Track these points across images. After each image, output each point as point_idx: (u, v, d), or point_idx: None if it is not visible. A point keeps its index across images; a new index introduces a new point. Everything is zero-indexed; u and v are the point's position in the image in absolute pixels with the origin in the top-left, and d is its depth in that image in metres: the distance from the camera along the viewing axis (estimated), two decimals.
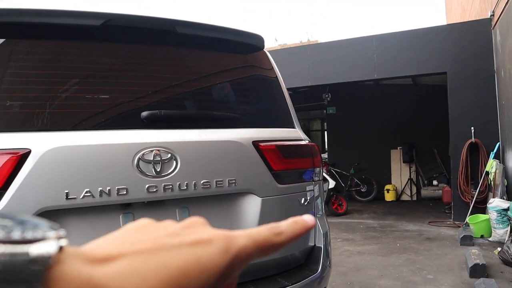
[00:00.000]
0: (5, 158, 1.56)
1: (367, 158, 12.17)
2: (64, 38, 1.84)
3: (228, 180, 1.95)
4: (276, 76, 2.40)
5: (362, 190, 11.84)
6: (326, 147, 13.86)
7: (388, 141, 12.17)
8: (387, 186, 11.97)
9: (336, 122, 13.16)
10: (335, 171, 11.57)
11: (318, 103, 12.27)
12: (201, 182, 1.87)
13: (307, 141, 2.35)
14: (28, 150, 1.59)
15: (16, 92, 1.71)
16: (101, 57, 1.91)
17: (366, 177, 11.88)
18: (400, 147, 12.09)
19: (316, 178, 2.35)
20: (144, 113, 1.83)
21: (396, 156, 12.26)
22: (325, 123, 14.13)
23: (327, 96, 12.02)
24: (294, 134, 2.32)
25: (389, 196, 11.88)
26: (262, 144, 2.07)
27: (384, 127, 12.19)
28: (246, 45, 2.28)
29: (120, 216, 1.77)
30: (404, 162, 12.08)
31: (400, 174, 12.20)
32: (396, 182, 12.22)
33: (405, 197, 12.13)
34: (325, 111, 13.32)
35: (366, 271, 5.34)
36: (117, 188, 1.69)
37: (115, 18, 1.86)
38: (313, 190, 2.32)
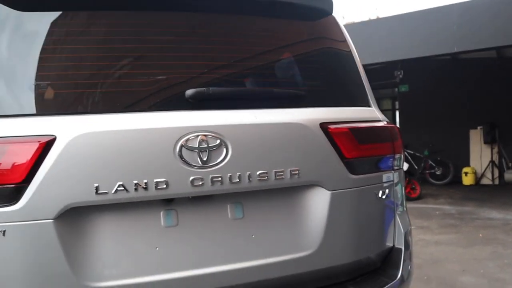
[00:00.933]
0: (27, 146, 1.35)
1: (443, 139, 11.38)
2: (94, 8, 1.58)
3: (290, 170, 1.62)
4: (348, 45, 2.01)
5: (437, 173, 11.13)
6: (398, 126, 13.12)
7: (467, 120, 11.32)
8: (465, 169, 11.17)
9: (409, 101, 12.42)
10: (407, 153, 10.89)
11: (389, 81, 11.54)
12: (257, 173, 1.56)
13: (386, 122, 1.96)
14: (53, 137, 1.36)
15: (40, 71, 1.47)
16: (139, 28, 1.63)
17: (441, 159, 11.13)
18: (481, 127, 11.23)
19: (396, 166, 1.97)
20: (189, 91, 1.54)
21: (476, 136, 11.37)
22: (397, 102, 13.38)
23: (399, 73, 11.27)
24: (371, 114, 1.94)
25: (467, 180, 11.09)
26: (332, 126, 1.71)
27: (463, 106, 11.32)
28: (312, 8, 1.91)
29: (161, 213, 1.51)
30: (485, 143, 11.19)
31: (480, 156, 11.28)
32: (476, 164, 11.34)
33: (485, 181, 11.23)
34: (396, 89, 12.60)
35: (444, 264, 4.84)
36: (156, 181, 1.43)
37: None
38: (393, 180, 1.94)
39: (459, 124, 11.40)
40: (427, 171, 11.25)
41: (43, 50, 1.49)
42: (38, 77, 1.45)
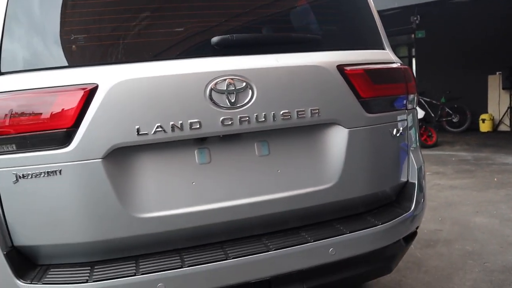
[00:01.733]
0: (74, 94, 1.50)
1: (460, 85, 11.21)
2: None
3: (311, 109, 1.75)
4: None
5: (454, 120, 11.07)
6: (415, 74, 12.92)
7: (485, 66, 11.07)
8: (483, 116, 11.08)
9: (425, 47, 12.19)
10: (424, 100, 10.82)
11: (405, 27, 11.33)
12: (281, 112, 1.70)
13: (399, 64, 2.06)
14: (96, 85, 1.52)
15: (80, 25, 1.61)
16: None
17: (458, 106, 11.04)
18: (500, 72, 10.98)
19: (410, 106, 2.08)
20: (215, 39, 1.67)
21: (494, 82, 11.18)
22: (413, 49, 13.14)
23: (415, 18, 11.03)
24: (385, 56, 2.03)
25: (484, 127, 11.03)
26: (348, 68, 1.82)
27: (481, 51, 11.03)
28: None
29: (195, 152, 1.67)
30: (503, 88, 11.00)
31: (499, 102, 11.16)
32: (494, 111, 11.23)
33: (503, 128, 11.16)
34: (413, 36, 12.34)
35: (458, 206, 4.99)
36: (190, 122, 1.58)
37: None
38: (407, 119, 2.06)
39: (477, 70, 11.17)
40: (444, 119, 11.18)
41: (83, 8, 1.63)
42: (79, 31, 1.60)
